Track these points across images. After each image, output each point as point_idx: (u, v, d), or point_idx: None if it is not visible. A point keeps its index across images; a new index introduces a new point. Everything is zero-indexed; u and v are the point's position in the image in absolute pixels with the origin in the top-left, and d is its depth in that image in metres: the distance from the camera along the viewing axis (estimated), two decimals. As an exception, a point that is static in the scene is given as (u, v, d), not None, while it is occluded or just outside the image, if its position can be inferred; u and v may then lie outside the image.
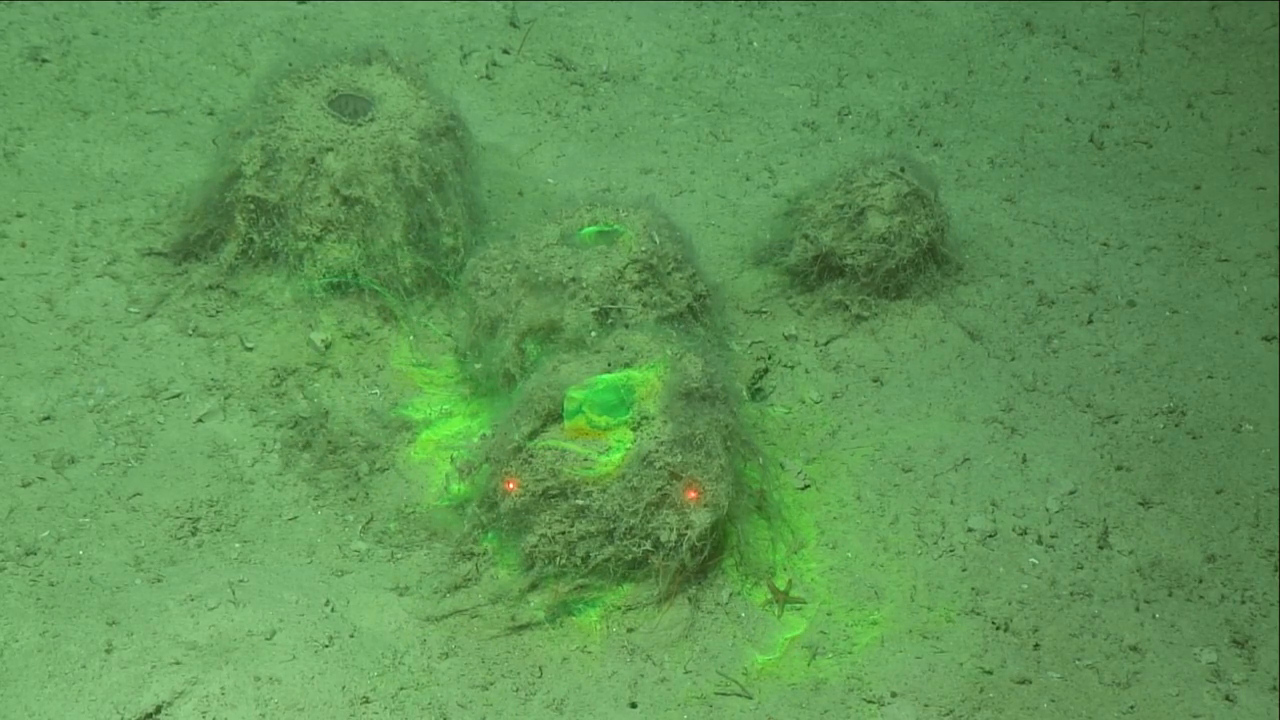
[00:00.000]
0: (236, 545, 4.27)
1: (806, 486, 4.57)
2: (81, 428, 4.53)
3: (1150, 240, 5.55)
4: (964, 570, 4.31)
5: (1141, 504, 4.51)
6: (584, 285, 4.55)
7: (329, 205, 4.86)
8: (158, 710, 3.77)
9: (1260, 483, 4.58)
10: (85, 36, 6.09)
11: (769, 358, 5.01)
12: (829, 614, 4.20)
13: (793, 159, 5.94)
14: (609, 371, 4.23)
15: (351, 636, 4.01)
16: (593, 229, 4.72)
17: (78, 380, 4.67)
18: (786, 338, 5.09)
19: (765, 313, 5.18)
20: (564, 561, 4.14)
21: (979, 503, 4.50)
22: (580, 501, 4.07)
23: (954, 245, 5.35)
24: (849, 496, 4.53)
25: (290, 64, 5.09)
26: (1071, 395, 4.87)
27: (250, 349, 4.85)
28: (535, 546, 4.14)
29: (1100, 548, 4.38)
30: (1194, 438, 4.73)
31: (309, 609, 4.06)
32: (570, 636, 4.09)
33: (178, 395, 4.68)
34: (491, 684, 3.96)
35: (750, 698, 3.96)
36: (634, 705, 3.94)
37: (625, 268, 4.59)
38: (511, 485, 4.13)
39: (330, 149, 4.86)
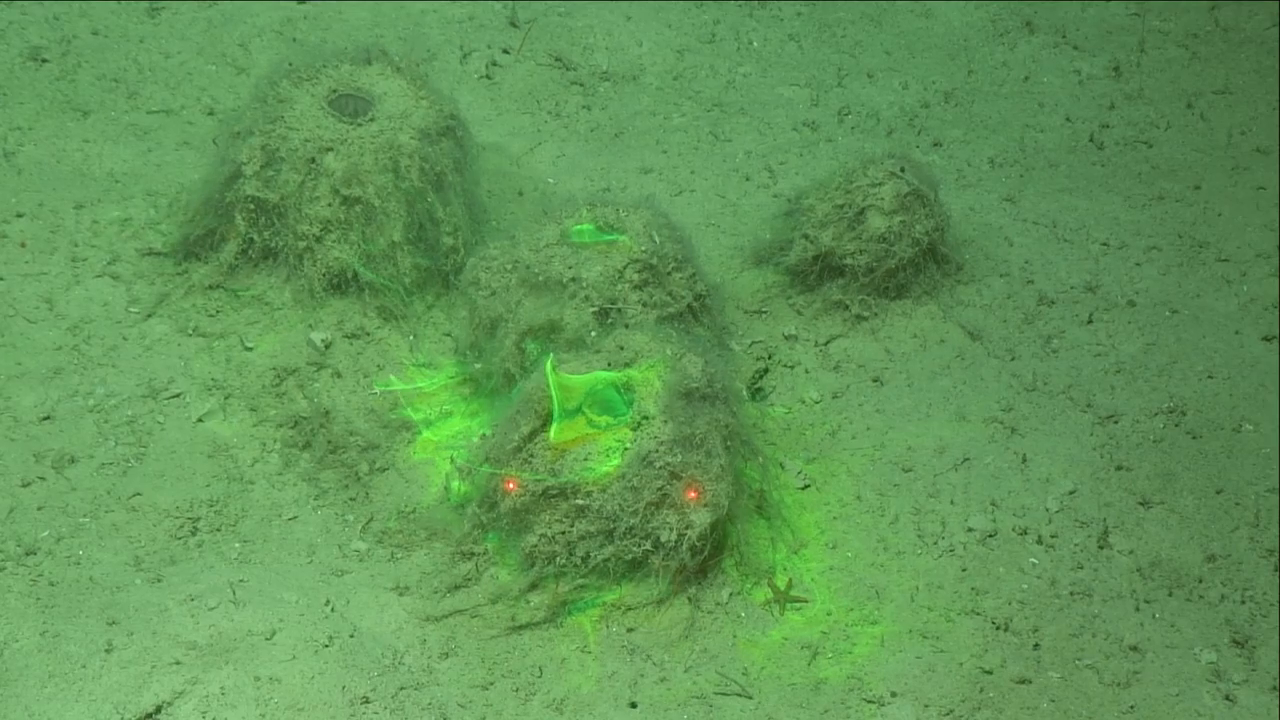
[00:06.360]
0: (236, 545, 4.27)
1: (806, 486, 4.57)
2: (81, 428, 4.53)
3: (1150, 240, 5.55)
4: (964, 570, 4.31)
5: (1141, 504, 4.51)
6: (584, 285, 4.55)
7: (329, 205, 4.86)
8: (158, 710, 3.77)
9: (1260, 483, 4.58)
10: (85, 36, 6.09)
11: (769, 358, 5.01)
12: (829, 614, 4.20)
13: (793, 159, 5.94)
14: (609, 371, 4.23)
15: (351, 636, 4.01)
16: (588, 227, 4.72)
17: (78, 380, 4.67)
18: (786, 338, 5.09)
19: (765, 313, 5.18)
20: (564, 561, 4.14)
21: (979, 503, 4.50)
22: (580, 501, 4.08)
23: (954, 245, 5.35)
24: (849, 496, 4.53)
25: (290, 64, 5.09)
26: (1071, 395, 4.87)
27: (250, 349, 4.85)
28: (535, 546, 4.14)
29: (1100, 548, 4.38)
30: (1194, 438, 4.73)
31: (309, 609, 4.06)
32: (570, 636, 4.09)
33: (178, 395, 4.68)
34: (491, 684, 3.96)
35: (750, 698, 3.97)
36: (634, 705, 3.95)
37: (625, 268, 4.59)
38: (511, 485, 4.13)
39: (330, 149, 4.86)
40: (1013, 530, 4.42)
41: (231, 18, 6.31)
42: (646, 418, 4.12)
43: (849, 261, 5.10)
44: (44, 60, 5.93)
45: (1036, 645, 4.11)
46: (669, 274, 4.66)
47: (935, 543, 4.39)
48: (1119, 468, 4.62)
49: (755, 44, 6.60)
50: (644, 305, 4.58)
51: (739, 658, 4.07)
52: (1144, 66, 6.57)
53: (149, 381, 4.70)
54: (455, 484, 4.43)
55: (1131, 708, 3.97)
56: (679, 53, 6.49)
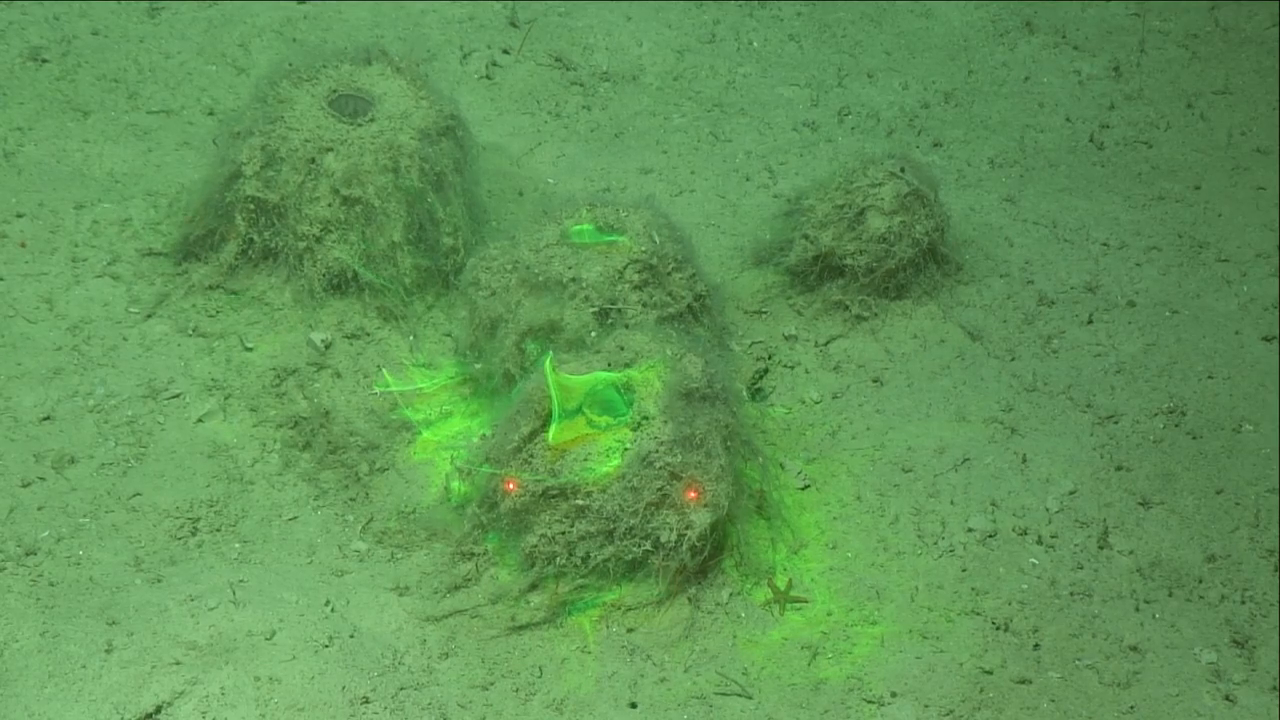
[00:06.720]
0: (236, 545, 4.27)
1: (806, 486, 4.57)
2: (81, 428, 4.53)
3: (1150, 240, 5.55)
4: (964, 570, 4.31)
5: (1141, 504, 4.52)
6: (584, 285, 4.55)
7: (329, 205, 4.86)
8: (158, 710, 3.77)
9: (1260, 483, 4.58)
10: (85, 36, 6.09)
11: (769, 358, 5.01)
12: (829, 614, 4.20)
13: (793, 159, 5.94)
14: (609, 371, 4.23)
15: (351, 636, 4.01)
16: (588, 227, 4.72)
17: (78, 380, 4.67)
18: (786, 338, 5.09)
19: (765, 313, 5.18)
20: (564, 561, 4.14)
21: (979, 503, 4.50)
22: (580, 501, 4.08)
23: (954, 245, 5.35)
24: (849, 497, 4.53)
25: (290, 64, 5.09)
26: (1071, 395, 4.87)
27: (250, 349, 4.85)
28: (535, 546, 4.14)
29: (1100, 548, 4.38)
30: (1194, 438, 4.73)
31: (309, 609, 4.06)
32: (570, 636, 4.09)
33: (178, 395, 4.68)
34: (491, 684, 3.96)
35: (750, 698, 3.97)
36: (634, 705, 3.95)
37: (625, 268, 4.59)
38: (511, 485, 4.13)
39: (330, 149, 4.86)
40: (1013, 530, 4.42)
41: (231, 18, 6.31)
42: (646, 418, 4.12)
43: (849, 262, 5.10)
44: (44, 60, 5.93)
45: (1036, 645, 4.11)
46: (669, 274, 4.66)
47: (935, 543, 4.39)
48: (1119, 468, 4.62)
49: (755, 44, 6.60)
50: (644, 305, 4.58)
51: (739, 658, 4.07)
52: (1144, 66, 6.57)
53: (149, 381, 4.70)
54: (455, 484, 4.43)
55: (1131, 708, 3.97)
56: (679, 53, 6.49)
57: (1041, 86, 6.46)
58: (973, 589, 4.26)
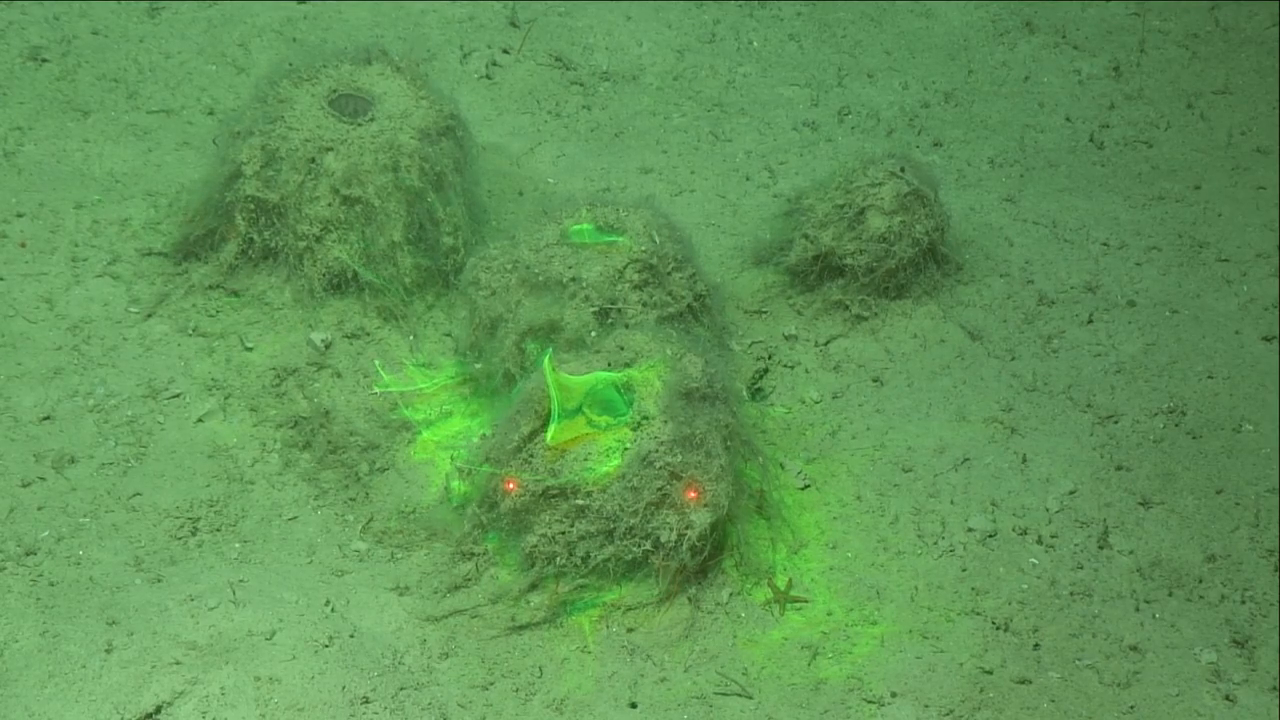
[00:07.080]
0: (236, 545, 4.27)
1: (806, 486, 4.57)
2: (81, 428, 4.53)
3: (1150, 240, 5.55)
4: (964, 570, 4.31)
5: (1141, 504, 4.52)
6: (584, 285, 4.55)
7: (329, 205, 4.86)
8: (158, 710, 3.77)
9: (1260, 483, 4.58)
10: (85, 36, 6.09)
11: (769, 358, 5.01)
12: (829, 614, 4.20)
13: (793, 159, 5.94)
14: (609, 371, 4.23)
15: (351, 636, 4.01)
16: (588, 227, 4.72)
17: (78, 380, 4.67)
18: (786, 338, 5.09)
19: (765, 313, 5.18)
20: (564, 561, 4.14)
21: (979, 503, 4.50)
22: (580, 501, 4.08)
23: (954, 245, 5.35)
24: (849, 496, 4.53)
25: (290, 64, 5.10)
26: (1071, 395, 4.87)
27: (250, 349, 4.85)
28: (535, 546, 4.14)
29: (1100, 548, 4.38)
30: (1194, 438, 4.73)
31: (309, 609, 4.06)
32: (570, 636, 4.09)
33: (178, 395, 4.68)
34: (491, 684, 3.96)
35: (750, 698, 3.97)
36: (634, 705, 3.95)
37: (625, 268, 4.59)
38: (511, 485, 4.13)
39: (330, 149, 4.86)
40: (1013, 530, 4.42)
41: (231, 18, 6.31)
42: (646, 418, 4.12)
43: (849, 261, 5.10)
44: (44, 60, 5.93)
45: (1036, 645, 4.11)
46: (669, 274, 4.66)
47: (935, 543, 4.39)
48: (1119, 468, 4.62)
49: (755, 44, 6.60)
50: (644, 305, 4.58)
51: (739, 658, 4.07)
52: (1144, 66, 6.57)
53: (149, 381, 4.70)
54: (455, 484, 4.43)
55: (1131, 708, 3.97)
56: (679, 53, 6.49)
57: (1041, 86, 6.45)
58: (973, 589, 4.26)
